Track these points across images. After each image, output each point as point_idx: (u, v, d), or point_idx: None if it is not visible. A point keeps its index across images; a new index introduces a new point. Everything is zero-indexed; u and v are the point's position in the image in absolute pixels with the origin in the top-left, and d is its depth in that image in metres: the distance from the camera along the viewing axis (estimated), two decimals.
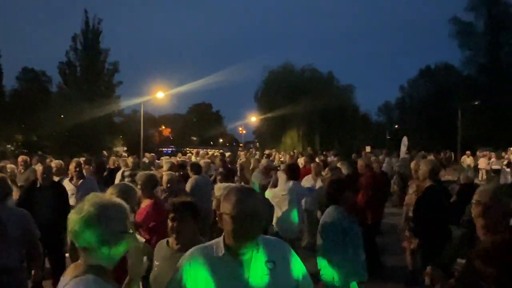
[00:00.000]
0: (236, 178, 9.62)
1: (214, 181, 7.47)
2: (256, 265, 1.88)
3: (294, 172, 6.08)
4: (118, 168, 10.25)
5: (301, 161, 11.36)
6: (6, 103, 40.14)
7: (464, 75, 39.24)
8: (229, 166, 10.12)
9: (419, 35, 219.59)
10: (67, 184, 6.39)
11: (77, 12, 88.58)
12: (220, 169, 8.45)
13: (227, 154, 15.99)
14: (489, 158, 19.58)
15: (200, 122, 77.20)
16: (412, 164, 6.42)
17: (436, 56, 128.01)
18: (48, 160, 10.51)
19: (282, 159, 16.86)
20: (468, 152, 22.29)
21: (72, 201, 6.07)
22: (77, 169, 6.58)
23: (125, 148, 38.35)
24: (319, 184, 7.11)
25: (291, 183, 5.88)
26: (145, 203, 4.19)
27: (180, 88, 42.11)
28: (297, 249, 6.31)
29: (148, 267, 2.81)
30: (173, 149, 46.19)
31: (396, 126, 47.39)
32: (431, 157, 14.96)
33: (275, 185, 6.21)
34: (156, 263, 2.74)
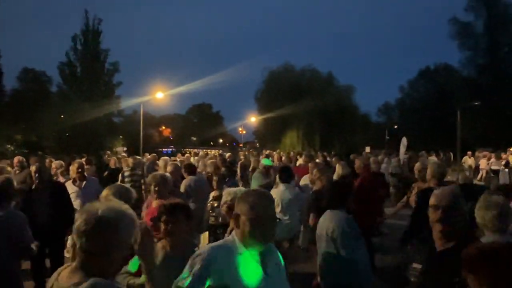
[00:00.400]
0: (236, 178, 9.63)
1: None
2: (270, 265, 2.00)
3: (286, 175, 6.06)
4: (119, 169, 10.28)
5: (300, 161, 11.38)
6: (6, 103, 40.17)
7: (464, 75, 39.21)
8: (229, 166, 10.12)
9: (419, 36, 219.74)
10: (70, 186, 6.33)
11: (77, 13, 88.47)
12: (223, 169, 8.46)
13: (227, 154, 16.01)
14: (489, 159, 19.59)
15: (200, 122, 77.24)
16: (417, 165, 6.38)
17: (436, 56, 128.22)
18: (47, 160, 10.51)
19: (283, 158, 16.82)
20: (469, 152, 22.28)
21: (77, 203, 6.04)
22: (79, 170, 6.56)
23: (125, 149, 38.36)
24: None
25: (282, 186, 5.90)
26: (156, 203, 4.20)
27: (180, 88, 42.15)
28: (292, 249, 6.34)
29: None
30: (173, 149, 46.21)
31: (396, 127, 47.41)
32: (433, 157, 14.98)
33: (271, 186, 6.22)
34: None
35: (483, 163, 19.84)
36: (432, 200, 2.39)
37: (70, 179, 6.74)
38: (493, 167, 17.95)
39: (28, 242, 3.86)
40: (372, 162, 11.92)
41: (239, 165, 10.40)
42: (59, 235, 5.27)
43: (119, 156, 15.81)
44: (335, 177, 8.76)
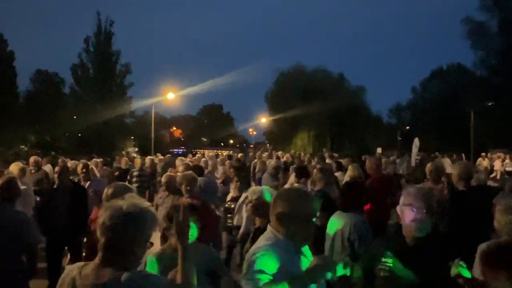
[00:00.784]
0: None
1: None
2: (308, 260, 2.07)
3: (302, 174, 6.12)
4: (129, 169, 10.36)
5: (313, 162, 11.34)
6: (20, 105, 40.76)
7: (477, 76, 38.73)
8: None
9: (431, 36, 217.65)
10: None
11: (89, 15, 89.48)
12: (232, 170, 8.48)
13: (239, 155, 16.05)
14: (503, 160, 19.35)
15: (210, 123, 77.49)
16: (428, 166, 6.31)
17: (448, 57, 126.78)
18: (59, 161, 10.64)
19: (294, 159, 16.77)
20: (483, 154, 22.01)
21: None
22: (84, 170, 6.60)
23: (137, 149, 38.66)
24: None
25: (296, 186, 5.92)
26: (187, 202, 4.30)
27: (191, 89, 42.43)
28: None
29: None
30: (184, 150, 46.43)
31: (408, 128, 47.00)
32: (446, 159, 14.82)
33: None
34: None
35: (497, 164, 19.60)
36: (406, 200, 2.41)
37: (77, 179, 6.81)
38: (508, 169, 17.71)
39: (32, 241, 3.89)
40: (385, 163, 11.87)
41: (252, 165, 10.41)
42: (77, 235, 5.32)
43: (131, 156, 15.90)
44: (347, 178, 8.74)
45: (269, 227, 2.11)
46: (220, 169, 9.98)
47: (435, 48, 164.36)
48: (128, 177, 9.08)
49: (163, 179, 5.73)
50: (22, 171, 6.51)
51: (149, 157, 12.92)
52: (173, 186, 5.57)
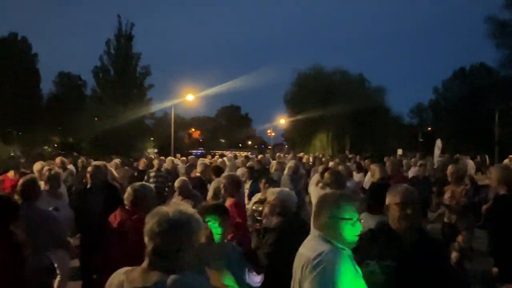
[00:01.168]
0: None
1: None
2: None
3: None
4: (147, 170, 10.46)
5: (333, 164, 11.22)
6: (43, 107, 41.74)
7: (502, 75, 37.74)
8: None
9: (453, 35, 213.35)
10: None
11: (110, 18, 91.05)
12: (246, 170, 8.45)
13: (259, 156, 16.02)
14: None
15: (229, 124, 77.75)
16: (450, 168, 6.15)
17: (471, 56, 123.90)
18: (79, 161, 10.81)
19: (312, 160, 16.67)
20: (510, 156, 21.40)
21: None
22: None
23: (156, 150, 39.07)
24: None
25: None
26: (228, 202, 4.38)
27: (210, 91, 42.64)
28: None
29: None
30: (202, 151, 46.72)
31: (429, 129, 46.12)
32: (469, 161, 14.48)
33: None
34: None
35: None
36: (397, 198, 2.45)
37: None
38: None
39: (61, 237, 3.94)
40: (406, 165, 11.64)
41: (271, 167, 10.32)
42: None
43: (150, 157, 16.06)
44: (368, 180, 8.60)
45: (316, 232, 2.10)
46: (239, 170, 9.96)
47: (458, 47, 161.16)
48: (146, 177, 9.14)
49: (176, 184, 5.63)
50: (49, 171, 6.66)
51: (169, 157, 13.03)
52: (186, 190, 5.55)
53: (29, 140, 37.32)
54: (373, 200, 3.78)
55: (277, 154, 19.65)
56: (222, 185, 4.66)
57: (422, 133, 43.97)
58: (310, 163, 13.52)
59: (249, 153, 33.96)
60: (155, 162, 10.21)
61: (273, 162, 10.70)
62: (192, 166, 11.01)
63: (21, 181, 4.13)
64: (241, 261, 2.76)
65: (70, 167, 9.59)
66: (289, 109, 34.96)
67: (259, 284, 2.83)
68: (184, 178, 5.91)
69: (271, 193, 3.52)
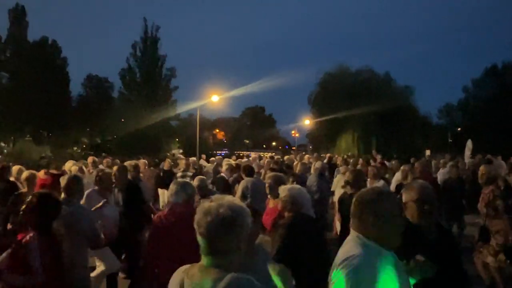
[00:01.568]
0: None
1: None
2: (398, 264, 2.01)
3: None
4: (172, 170, 10.59)
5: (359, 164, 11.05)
6: (72, 108, 42.89)
7: None
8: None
9: (484, 32, 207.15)
10: None
11: (137, 20, 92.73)
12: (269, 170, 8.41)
13: (285, 157, 15.94)
14: None
15: (253, 125, 77.86)
16: (481, 169, 5.92)
17: (503, 54, 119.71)
18: (104, 161, 10.99)
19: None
20: None
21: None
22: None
23: (181, 151, 39.52)
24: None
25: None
26: (273, 203, 4.34)
27: (234, 92, 42.82)
28: None
29: None
30: (227, 151, 46.96)
31: (459, 129, 44.85)
32: (501, 162, 13.99)
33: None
34: None
35: None
36: (413, 194, 2.48)
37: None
38: None
39: (96, 234, 3.98)
40: (435, 166, 11.31)
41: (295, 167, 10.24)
42: (135, 231, 5.48)
43: (175, 158, 16.23)
44: (395, 181, 8.41)
45: (354, 233, 1.99)
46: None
47: (489, 45, 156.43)
48: (174, 178, 9.22)
49: (195, 182, 5.63)
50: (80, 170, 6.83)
51: (191, 158, 13.13)
52: (205, 189, 5.54)
53: (59, 141, 38.40)
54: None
55: (300, 154, 19.51)
56: (267, 185, 4.73)
57: (451, 134, 42.84)
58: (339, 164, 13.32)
59: (273, 153, 33.88)
60: (182, 163, 10.31)
61: (297, 163, 10.63)
62: (217, 166, 11.13)
63: (64, 179, 4.19)
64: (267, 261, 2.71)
65: (101, 167, 9.79)
66: (314, 109, 34.63)
67: None
68: (202, 177, 5.89)
69: (283, 190, 3.59)
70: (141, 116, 35.32)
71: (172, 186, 3.65)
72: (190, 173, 9.73)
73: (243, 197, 5.72)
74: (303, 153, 28.91)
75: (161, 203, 10.23)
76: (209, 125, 67.23)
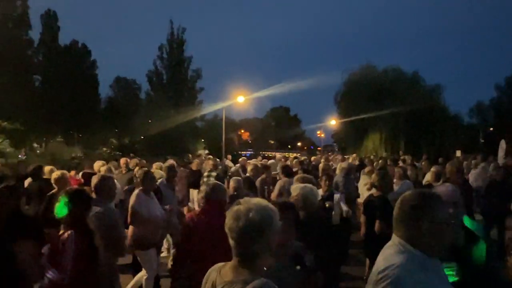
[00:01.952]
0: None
1: None
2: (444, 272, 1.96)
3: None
4: (200, 170, 10.67)
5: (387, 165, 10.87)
6: (101, 110, 43.90)
7: None
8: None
9: None
10: None
11: (163, 23, 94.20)
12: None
13: (313, 158, 15.87)
14: None
15: (278, 125, 77.73)
16: None
17: None
18: (131, 161, 11.17)
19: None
20: None
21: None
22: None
23: (207, 151, 39.89)
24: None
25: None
26: None
27: (260, 92, 42.86)
28: None
29: None
30: (252, 152, 47.02)
31: (491, 129, 43.44)
32: None
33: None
34: None
35: None
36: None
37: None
38: None
39: (122, 237, 4.05)
40: (466, 167, 10.98)
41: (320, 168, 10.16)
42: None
43: (202, 158, 16.37)
44: (425, 182, 8.22)
45: (396, 239, 1.86)
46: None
47: None
48: (204, 178, 9.30)
49: (232, 183, 5.65)
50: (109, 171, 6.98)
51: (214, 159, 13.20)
52: (241, 190, 5.56)
53: (89, 142, 39.39)
54: None
55: (325, 155, 19.38)
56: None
57: (483, 134, 41.53)
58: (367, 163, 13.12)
59: (299, 154, 33.70)
60: (209, 163, 10.38)
61: (322, 163, 10.54)
62: (243, 167, 11.17)
63: (96, 178, 4.26)
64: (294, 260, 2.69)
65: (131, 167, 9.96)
66: (340, 109, 34.21)
67: None
68: (238, 178, 5.95)
69: (295, 190, 3.67)
70: (167, 117, 35.85)
71: (203, 187, 3.73)
72: (214, 174, 9.81)
73: (280, 196, 5.76)
74: (329, 153, 28.67)
75: (195, 204, 10.33)
76: (234, 125, 67.51)
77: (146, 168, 5.99)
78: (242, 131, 74.34)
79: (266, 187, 7.38)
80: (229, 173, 10.25)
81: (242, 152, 44.29)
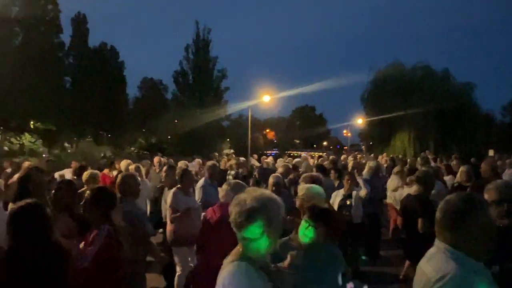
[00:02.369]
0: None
1: None
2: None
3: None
4: (226, 170, 10.72)
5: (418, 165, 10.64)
6: (129, 110, 44.76)
7: None
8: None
9: None
10: None
11: (189, 23, 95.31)
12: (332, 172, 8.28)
13: (342, 157, 15.73)
14: None
15: (303, 125, 77.31)
16: None
17: None
18: (156, 159, 11.30)
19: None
20: None
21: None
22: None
23: (232, 151, 40.07)
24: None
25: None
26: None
27: (285, 92, 42.74)
28: None
29: None
30: (277, 151, 46.93)
31: None
32: None
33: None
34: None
35: None
36: (492, 195, 2.41)
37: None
38: None
39: (146, 235, 4.08)
40: (500, 166, 10.59)
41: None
42: None
43: (230, 158, 16.50)
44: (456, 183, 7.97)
45: (442, 244, 1.80)
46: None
47: None
48: (229, 177, 9.35)
49: (271, 179, 5.59)
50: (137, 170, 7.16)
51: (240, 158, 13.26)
52: (279, 187, 5.55)
53: (118, 142, 40.24)
54: None
55: (353, 154, 19.12)
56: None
57: None
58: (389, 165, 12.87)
59: (324, 153, 33.38)
60: (233, 162, 10.45)
61: (351, 162, 10.46)
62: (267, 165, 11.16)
63: (119, 177, 4.34)
64: (333, 265, 2.68)
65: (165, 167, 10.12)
66: (367, 108, 33.61)
67: None
68: (278, 174, 5.96)
69: (301, 189, 3.67)
70: (193, 117, 36.26)
71: (224, 186, 3.90)
72: (232, 172, 9.86)
73: None
74: (356, 152, 28.25)
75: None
76: (260, 125, 67.54)
77: (184, 167, 6.09)
78: (268, 130, 74.29)
79: (293, 186, 7.34)
80: (255, 173, 10.23)
81: (267, 152, 44.29)
